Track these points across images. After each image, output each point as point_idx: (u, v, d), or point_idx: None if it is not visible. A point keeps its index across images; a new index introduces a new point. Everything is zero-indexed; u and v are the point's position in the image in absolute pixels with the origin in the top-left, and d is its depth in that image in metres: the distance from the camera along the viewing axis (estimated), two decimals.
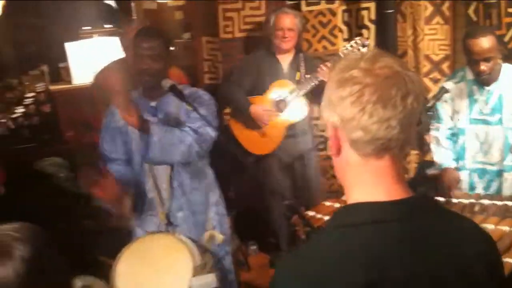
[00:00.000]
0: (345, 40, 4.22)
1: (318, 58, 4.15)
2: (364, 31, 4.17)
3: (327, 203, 3.07)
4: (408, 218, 1.09)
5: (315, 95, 3.77)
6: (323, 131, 4.17)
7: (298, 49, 3.91)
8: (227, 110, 4.12)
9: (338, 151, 1.15)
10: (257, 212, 4.30)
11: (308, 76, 3.80)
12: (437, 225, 1.12)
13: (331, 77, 1.14)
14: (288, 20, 3.74)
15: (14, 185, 4.18)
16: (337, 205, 3.03)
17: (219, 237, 2.83)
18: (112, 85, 2.38)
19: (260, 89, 3.85)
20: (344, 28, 4.23)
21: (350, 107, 1.07)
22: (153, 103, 2.69)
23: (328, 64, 3.71)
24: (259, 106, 3.79)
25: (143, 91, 2.73)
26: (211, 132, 2.62)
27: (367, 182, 1.13)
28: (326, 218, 2.84)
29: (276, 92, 3.82)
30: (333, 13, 4.17)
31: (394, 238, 1.07)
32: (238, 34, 4.17)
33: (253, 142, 3.89)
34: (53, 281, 1.29)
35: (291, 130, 3.86)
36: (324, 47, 4.24)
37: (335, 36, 4.22)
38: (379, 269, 1.03)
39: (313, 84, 3.74)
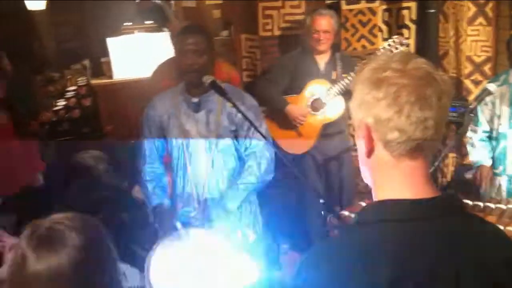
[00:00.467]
0: (384, 39, 4.17)
1: (357, 57, 4.12)
2: (405, 31, 4.12)
3: (363, 203, 3.04)
4: (433, 217, 1.09)
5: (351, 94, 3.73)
6: None
7: (335, 48, 3.88)
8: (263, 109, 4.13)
9: (370, 151, 1.15)
10: (290, 211, 4.30)
11: (344, 75, 3.77)
12: (461, 226, 1.12)
13: (361, 78, 1.14)
14: (324, 22, 3.70)
15: (54, 176, 4.29)
16: None
17: (251, 235, 2.84)
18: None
19: (296, 88, 3.84)
20: (384, 27, 4.18)
21: (386, 108, 1.08)
22: (195, 99, 2.71)
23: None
24: (295, 106, 3.78)
25: (185, 87, 2.75)
26: (269, 154, 2.72)
27: (396, 182, 1.13)
28: None
29: (312, 91, 3.80)
30: (373, 12, 4.13)
31: (417, 236, 1.07)
32: (277, 32, 4.17)
33: (288, 141, 3.89)
34: (103, 269, 1.33)
35: (327, 130, 3.83)
36: (363, 46, 4.21)
37: (375, 36, 4.19)
38: (402, 267, 1.03)
39: (349, 83, 3.71)
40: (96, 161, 4.66)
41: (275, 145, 3.81)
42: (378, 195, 1.16)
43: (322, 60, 3.84)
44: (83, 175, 4.53)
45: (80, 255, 1.27)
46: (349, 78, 3.70)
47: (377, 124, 1.10)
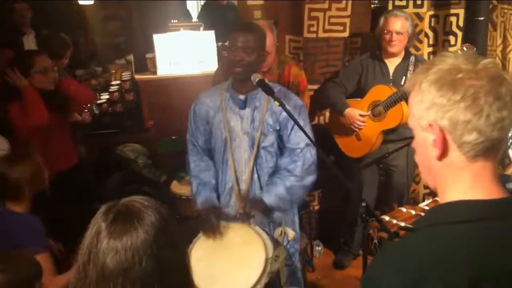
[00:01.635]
0: (430, 45, 4.12)
1: None
2: (451, 38, 4.07)
3: (403, 209, 3.03)
4: (508, 217, 1.08)
5: None
6: None
7: (408, 52, 3.79)
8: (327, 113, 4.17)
9: (444, 154, 1.13)
10: (329, 212, 4.30)
11: None
12: None
13: (429, 80, 1.11)
14: (398, 24, 3.62)
15: (97, 168, 4.38)
16: (413, 212, 2.99)
17: (291, 233, 2.84)
18: None
19: (363, 92, 3.80)
20: (430, 33, 4.13)
21: (464, 111, 1.07)
22: (241, 96, 2.74)
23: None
24: (354, 110, 3.75)
25: (232, 84, 2.79)
26: (310, 156, 2.74)
27: (466, 182, 1.12)
28: (402, 224, 2.81)
29: (374, 96, 3.73)
30: (421, 18, 4.08)
31: (494, 236, 1.06)
32: (321, 34, 4.16)
33: (348, 144, 3.88)
34: (174, 247, 1.36)
35: (388, 135, 3.75)
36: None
37: (420, 41, 4.13)
38: (481, 267, 1.03)
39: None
40: (136, 155, 4.75)
41: (336, 146, 3.87)
42: (446, 197, 1.15)
43: (392, 64, 3.75)
44: (122, 168, 4.62)
45: (156, 231, 1.31)
46: None
47: (453, 126, 1.09)
